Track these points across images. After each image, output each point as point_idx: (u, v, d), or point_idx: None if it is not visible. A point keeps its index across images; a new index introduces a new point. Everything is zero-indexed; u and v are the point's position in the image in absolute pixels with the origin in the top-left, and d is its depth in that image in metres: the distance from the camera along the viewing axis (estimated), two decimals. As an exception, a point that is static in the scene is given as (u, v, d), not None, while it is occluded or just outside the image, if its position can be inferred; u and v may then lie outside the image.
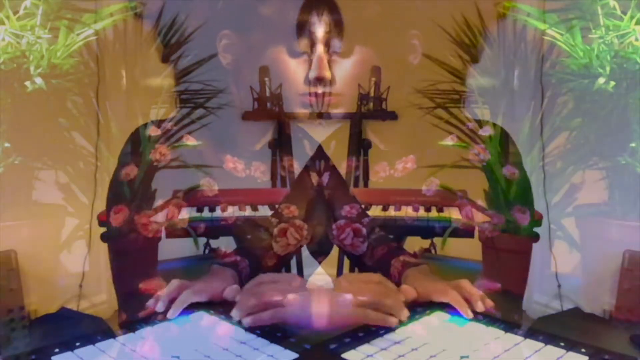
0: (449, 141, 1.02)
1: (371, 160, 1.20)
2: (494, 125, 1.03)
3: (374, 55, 1.07)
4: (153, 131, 0.99)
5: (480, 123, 1.03)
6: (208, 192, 1.04)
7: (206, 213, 1.09)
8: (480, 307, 0.84)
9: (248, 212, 1.11)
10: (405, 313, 0.84)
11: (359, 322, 0.82)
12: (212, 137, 1.05)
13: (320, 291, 0.87)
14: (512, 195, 1.03)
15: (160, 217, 1.03)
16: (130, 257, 0.99)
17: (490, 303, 0.86)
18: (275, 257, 1.05)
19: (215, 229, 1.07)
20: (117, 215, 0.95)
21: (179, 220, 1.01)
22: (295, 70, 1.05)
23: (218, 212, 1.09)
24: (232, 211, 1.10)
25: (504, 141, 1.02)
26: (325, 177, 1.13)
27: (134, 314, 0.85)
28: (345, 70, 1.06)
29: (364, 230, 1.07)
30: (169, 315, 0.84)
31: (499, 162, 1.01)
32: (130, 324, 0.82)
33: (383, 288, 0.89)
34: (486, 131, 1.02)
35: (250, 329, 0.82)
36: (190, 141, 1.00)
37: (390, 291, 0.89)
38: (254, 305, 0.83)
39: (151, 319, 0.84)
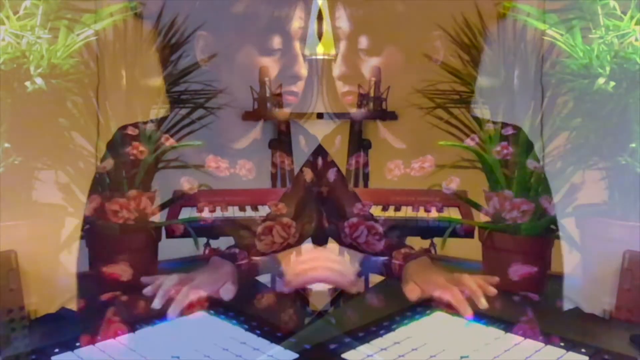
0: (470, 142, 1.02)
1: (372, 160, 1.20)
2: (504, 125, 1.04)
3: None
4: (131, 131, 1.00)
5: (502, 125, 1.04)
6: (203, 192, 1.04)
7: (205, 213, 1.09)
8: (483, 304, 0.84)
9: (249, 212, 1.11)
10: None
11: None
12: (203, 136, 1.05)
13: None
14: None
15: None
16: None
17: (493, 291, 0.86)
18: (259, 255, 1.05)
19: (205, 229, 1.07)
20: (91, 205, 0.96)
21: (152, 211, 1.01)
22: (270, 69, 1.05)
23: (219, 213, 1.09)
24: (232, 211, 1.10)
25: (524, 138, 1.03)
26: (331, 174, 1.13)
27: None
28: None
29: (380, 228, 1.07)
30: (169, 315, 0.84)
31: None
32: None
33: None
34: (508, 131, 1.02)
35: (250, 329, 0.82)
36: (169, 143, 1.00)
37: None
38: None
39: (146, 317, 0.84)
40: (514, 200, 1.00)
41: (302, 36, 1.06)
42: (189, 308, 0.86)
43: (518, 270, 0.92)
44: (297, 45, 1.05)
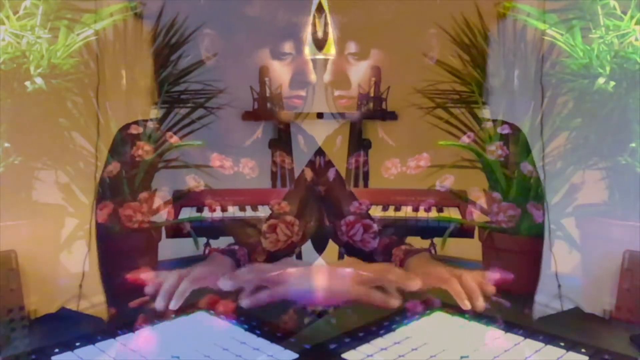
0: (466, 140, 1.02)
1: (372, 159, 1.20)
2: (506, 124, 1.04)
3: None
4: (134, 129, 1.00)
5: (496, 123, 1.04)
6: (203, 192, 1.05)
7: (205, 213, 1.09)
8: (479, 306, 0.83)
9: (249, 212, 1.11)
10: (415, 284, 0.84)
11: (360, 300, 0.83)
12: (203, 136, 1.05)
13: (320, 267, 0.87)
14: (511, 195, 1.03)
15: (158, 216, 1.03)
16: (128, 256, 0.99)
17: (492, 290, 0.86)
18: (264, 253, 1.05)
19: (205, 229, 1.07)
20: (102, 211, 0.96)
21: (166, 213, 1.01)
22: (280, 72, 1.05)
23: (219, 212, 1.09)
24: (232, 211, 1.10)
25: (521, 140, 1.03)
26: (332, 174, 1.13)
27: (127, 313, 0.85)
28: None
29: (375, 226, 1.07)
30: (171, 306, 0.84)
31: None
32: (125, 323, 0.82)
33: (387, 266, 0.89)
34: (504, 130, 1.02)
35: (250, 329, 0.82)
36: (174, 140, 1.00)
37: (394, 268, 0.90)
38: (250, 280, 0.83)
39: (150, 316, 0.84)
40: (502, 204, 1.00)
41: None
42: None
43: (494, 278, 0.91)
44: (307, 50, 1.06)
